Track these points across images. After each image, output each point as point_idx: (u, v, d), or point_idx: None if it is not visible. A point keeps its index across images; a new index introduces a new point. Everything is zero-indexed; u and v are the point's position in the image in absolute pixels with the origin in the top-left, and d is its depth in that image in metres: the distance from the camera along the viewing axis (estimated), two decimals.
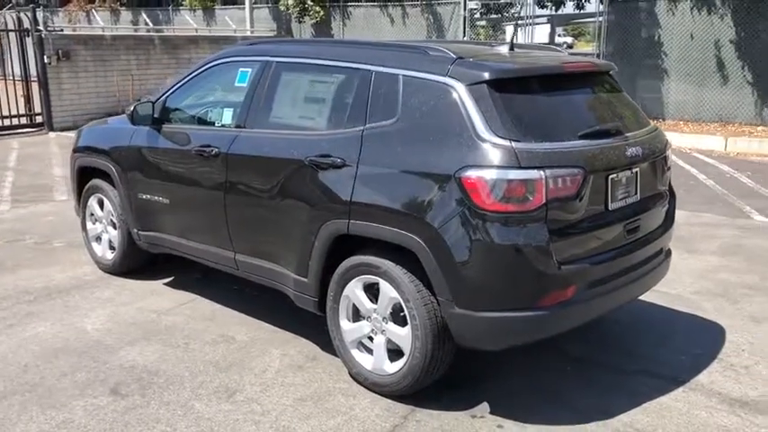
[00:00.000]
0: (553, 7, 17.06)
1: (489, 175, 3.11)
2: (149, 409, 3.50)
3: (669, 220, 4.02)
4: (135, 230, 5.04)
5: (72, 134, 13.62)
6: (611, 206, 3.47)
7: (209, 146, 4.28)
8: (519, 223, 3.13)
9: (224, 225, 4.29)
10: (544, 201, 3.12)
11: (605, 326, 4.41)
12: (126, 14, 23.51)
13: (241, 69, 4.34)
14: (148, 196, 4.82)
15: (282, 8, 18.00)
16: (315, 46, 4.31)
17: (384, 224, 3.41)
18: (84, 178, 5.51)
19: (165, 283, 5.28)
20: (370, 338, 3.69)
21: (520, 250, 3.13)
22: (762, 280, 5.43)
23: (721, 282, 5.37)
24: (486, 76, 3.29)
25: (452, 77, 3.35)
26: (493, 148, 3.14)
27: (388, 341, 3.58)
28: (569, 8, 18.88)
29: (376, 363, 3.62)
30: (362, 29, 17.80)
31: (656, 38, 14.26)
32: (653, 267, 3.81)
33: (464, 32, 16.23)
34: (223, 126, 4.39)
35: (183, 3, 21.57)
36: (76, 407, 3.52)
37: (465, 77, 3.32)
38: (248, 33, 18.79)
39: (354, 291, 3.64)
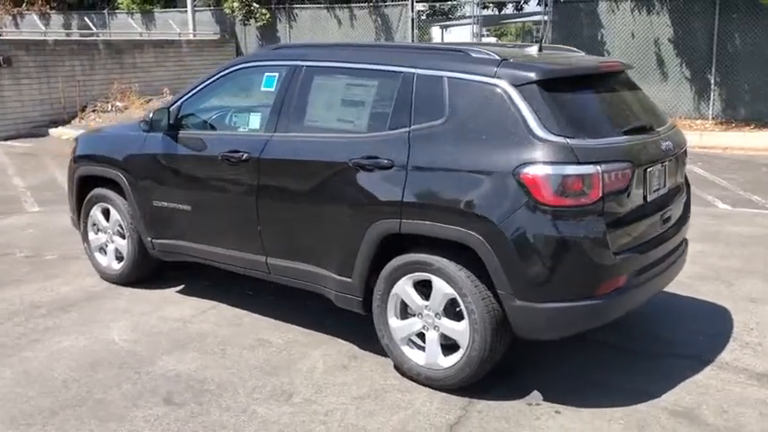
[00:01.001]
0: (495, 9, 17.48)
1: (549, 171, 3.26)
2: (211, 417, 3.49)
3: (687, 210, 4.27)
4: (148, 239, 4.96)
5: (17, 143, 13.18)
6: (649, 198, 3.68)
7: (237, 151, 4.28)
8: (578, 216, 3.30)
9: (255, 229, 4.29)
10: (601, 194, 3.30)
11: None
12: (57, 18, 22.67)
13: (267, 74, 4.36)
14: (165, 204, 4.76)
15: (228, 11, 17.77)
16: (348, 50, 4.35)
17: (440, 222, 3.51)
18: (84, 188, 5.38)
19: (177, 292, 5.22)
20: (420, 335, 3.78)
21: (580, 242, 3.30)
22: (745, 263, 5.79)
23: (711, 266, 5.70)
24: (534, 76, 3.44)
25: (501, 78, 3.48)
26: (550, 146, 3.29)
27: (442, 336, 3.68)
28: (506, 10, 19.39)
29: (429, 358, 3.71)
30: (309, 31, 17.77)
31: (599, 37, 14.83)
32: (679, 256, 4.05)
33: (412, 34, 16.44)
34: (251, 131, 4.39)
35: (120, 6, 20.99)
36: (136, 418, 3.48)
37: (514, 78, 3.45)
38: (191, 37, 18.49)
39: (404, 288, 3.73)
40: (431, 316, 3.69)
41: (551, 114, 3.37)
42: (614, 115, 3.70)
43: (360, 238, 3.81)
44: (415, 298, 3.72)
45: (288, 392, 3.72)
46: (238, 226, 4.42)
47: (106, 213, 5.29)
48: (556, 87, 3.48)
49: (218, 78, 4.60)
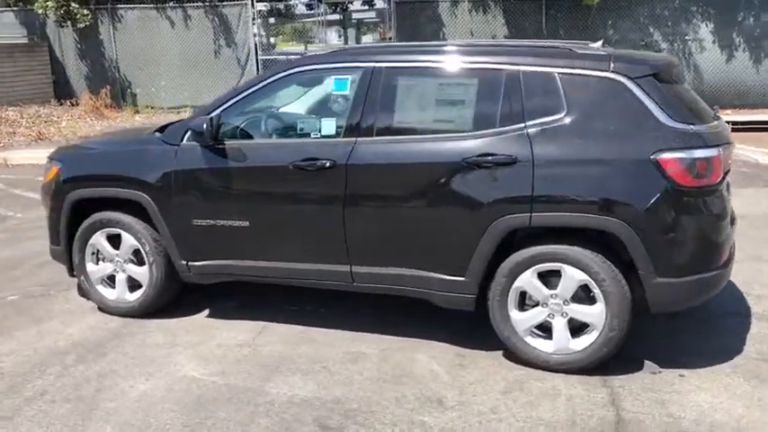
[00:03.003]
0: (338, 8, 17.64)
1: (684, 155, 3.57)
2: None
3: None
4: (183, 262, 4.51)
5: None
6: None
7: (315, 159, 4.07)
8: (708, 195, 3.66)
9: (340, 239, 4.12)
10: (722, 173, 3.67)
11: None
12: None
13: (335, 77, 4.21)
14: (211, 222, 4.36)
15: (40, 11, 15.98)
16: (434, 49, 4.28)
17: (575, 212, 3.68)
18: (78, 214, 4.72)
19: (208, 317, 4.80)
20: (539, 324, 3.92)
21: (713, 218, 3.67)
22: None
23: None
24: (648, 70, 3.74)
25: (617, 73, 3.72)
26: (680, 132, 3.60)
27: (570, 321, 3.84)
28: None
29: (559, 343, 3.86)
30: (137, 32, 16.58)
31: (441, 35, 15.60)
32: None
33: (254, 35, 16.07)
34: (325, 137, 4.18)
35: None
36: None
37: (630, 72, 3.71)
38: None
39: (531, 281, 3.84)
40: (558, 303, 3.83)
41: (668, 103, 3.68)
42: (699, 102, 4.09)
43: (478, 236, 3.84)
44: (541, 288, 3.84)
45: (434, 398, 3.66)
46: (316, 236, 4.20)
47: (114, 240, 4.70)
48: (661, 79, 3.79)
49: (268, 84, 4.31)
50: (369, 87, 4.07)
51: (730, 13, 14.33)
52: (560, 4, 15.04)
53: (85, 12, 16.04)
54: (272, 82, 4.31)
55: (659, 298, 3.71)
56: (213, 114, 4.27)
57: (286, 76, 4.29)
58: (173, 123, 4.80)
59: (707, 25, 14.43)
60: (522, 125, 3.79)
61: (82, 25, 16.11)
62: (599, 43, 4.27)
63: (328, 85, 4.30)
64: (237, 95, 4.35)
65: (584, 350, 3.82)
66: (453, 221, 3.89)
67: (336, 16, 22.22)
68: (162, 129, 4.80)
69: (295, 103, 4.58)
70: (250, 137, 4.39)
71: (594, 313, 3.77)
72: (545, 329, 3.94)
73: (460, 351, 4.19)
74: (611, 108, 3.71)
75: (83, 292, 5.09)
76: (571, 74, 3.79)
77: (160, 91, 16.18)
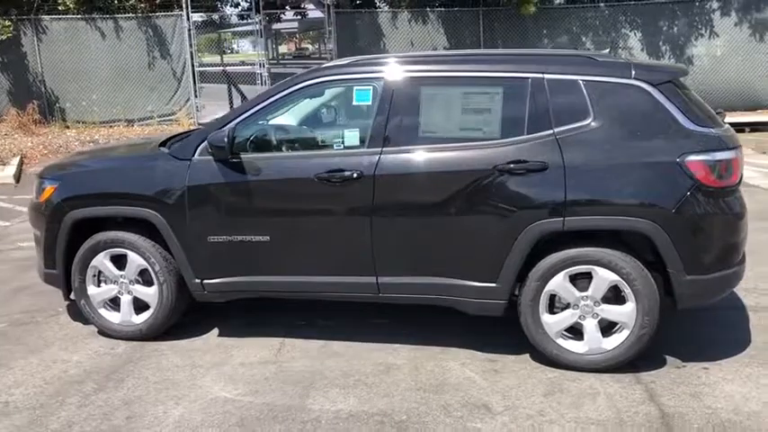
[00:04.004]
0: (272, 18, 17.46)
1: (709, 157, 3.75)
2: None
3: None
4: (197, 280, 4.36)
5: None
6: None
7: (341, 170, 4.03)
8: (731, 195, 3.85)
9: (366, 250, 4.09)
10: (740, 174, 3.87)
11: None
12: None
13: (357, 88, 4.17)
14: (230, 238, 4.23)
15: None
16: (456, 58, 4.30)
17: (608, 215, 3.79)
18: (77, 234, 4.49)
19: (220, 336, 4.65)
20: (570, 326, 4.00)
21: (736, 217, 3.86)
22: None
23: None
24: (667, 77, 3.90)
25: (639, 80, 3.86)
26: (704, 135, 3.78)
27: (601, 321, 3.94)
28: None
29: (591, 344, 3.95)
30: (64, 45, 15.85)
31: (382, 45, 15.74)
32: None
33: (190, 46, 15.71)
34: (348, 148, 4.14)
35: None
36: None
37: (652, 79, 3.86)
38: None
39: (563, 283, 3.92)
40: (589, 305, 3.93)
41: (688, 108, 3.85)
42: (709, 107, 4.29)
43: (510, 242, 3.89)
44: (572, 290, 3.93)
45: (480, 405, 3.68)
46: (341, 248, 4.15)
47: (118, 260, 4.49)
48: (678, 86, 3.96)
49: (285, 95, 4.23)
50: (392, 97, 4.06)
51: (655, 24, 15.08)
52: (496, 14, 15.45)
53: (7, 23, 15.22)
54: (289, 93, 4.24)
55: (686, 294, 3.86)
56: (229, 127, 4.17)
57: (303, 87, 4.22)
58: (178, 136, 4.66)
59: (635, 34, 15.11)
60: (551, 132, 3.87)
61: (3, 37, 15.28)
62: (605, 51, 4.41)
63: (350, 96, 4.26)
64: (253, 108, 4.25)
65: (617, 348, 3.92)
66: (485, 228, 3.93)
67: (254, 27, 21.99)
68: (165, 143, 4.64)
69: (313, 114, 4.52)
70: (267, 150, 4.31)
71: (626, 312, 3.88)
72: (574, 331, 4.03)
73: (488, 356, 4.23)
74: (636, 113, 3.85)
75: (76, 317, 4.85)
76: (596, 81, 3.90)
77: (92, 105, 15.55)
